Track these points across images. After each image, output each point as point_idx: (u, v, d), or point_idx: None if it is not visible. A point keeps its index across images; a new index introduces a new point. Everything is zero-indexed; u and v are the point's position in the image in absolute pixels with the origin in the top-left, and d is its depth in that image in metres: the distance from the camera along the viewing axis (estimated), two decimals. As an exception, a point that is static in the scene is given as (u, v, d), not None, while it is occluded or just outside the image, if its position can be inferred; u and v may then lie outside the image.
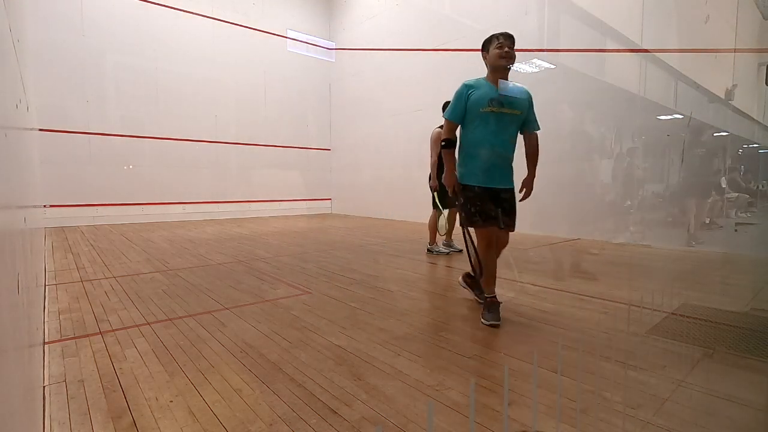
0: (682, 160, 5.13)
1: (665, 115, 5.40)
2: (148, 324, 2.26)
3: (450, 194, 2.39)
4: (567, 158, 5.81)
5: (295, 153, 9.93)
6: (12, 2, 1.57)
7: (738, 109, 5.49)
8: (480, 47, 2.40)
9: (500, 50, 2.23)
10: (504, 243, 2.43)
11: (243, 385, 1.58)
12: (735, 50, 5.34)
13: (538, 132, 2.35)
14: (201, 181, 8.43)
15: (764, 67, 6.03)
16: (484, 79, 2.32)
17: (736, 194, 5.50)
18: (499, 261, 2.30)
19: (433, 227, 4.47)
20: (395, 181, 8.63)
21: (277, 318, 2.37)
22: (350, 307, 2.61)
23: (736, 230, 5.51)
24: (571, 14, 5.74)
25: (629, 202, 5.58)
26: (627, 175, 5.53)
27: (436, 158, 4.10)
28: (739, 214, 5.55)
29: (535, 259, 4.35)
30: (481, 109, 2.21)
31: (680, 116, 5.30)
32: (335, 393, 1.52)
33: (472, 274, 2.43)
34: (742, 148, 5.94)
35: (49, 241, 5.21)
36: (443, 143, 2.32)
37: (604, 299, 2.77)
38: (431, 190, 4.37)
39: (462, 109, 2.27)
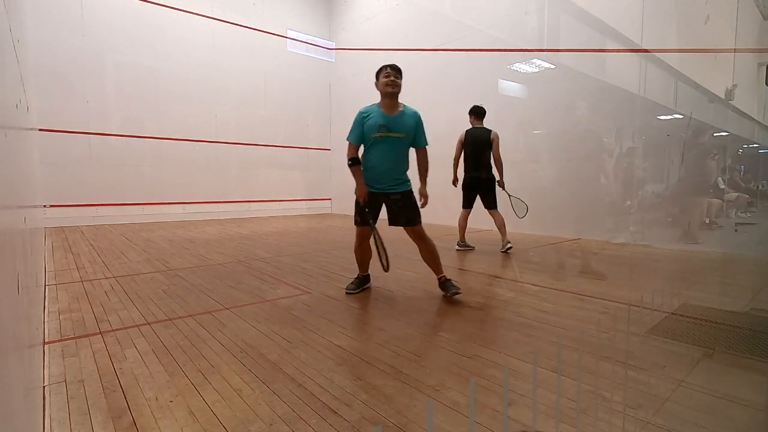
0: (682, 160, 5.13)
1: (665, 115, 5.40)
2: (148, 324, 2.26)
3: (361, 202, 2.74)
4: (567, 158, 5.81)
5: (295, 153, 9.93)
6: (12, 2, 1.57)
7: (738, 109, 5.49)
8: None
9: (387, 79, 2.64)
10: (416, 236, 2.78)
11: (243, 385, 1.58)
12: (735, 50, 5.34)
13: (426, 146, 2.82)
14: (201, 181, 8.43)
15: (764, 67, 6.03)
16: (377, 105, 2.75)
17: (736, 194, 5.50)
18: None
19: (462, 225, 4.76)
20: (395, 181, 8.61)
21: (277, 318, 2.37)
22: (350, 307, 2.61)
23: (736, 230, 5.52)
24: (571, 14, 5.74)
25: (629, 202, 5.58)
26: (627, 175, 5.54)
27: (455, 160, 4.70)
28: (739, 214, 5.55)
29: (535, 259, 4.35)
30: (372, 135, 2.66)
31: (680, 116, 5.30)
32: (335, 393, 1.52)
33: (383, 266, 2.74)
34: (742, 148, 5.94)
35: (49, 241, 5.21)
36: (349, 162, 2.73)
37: (604, 299, 2.77)
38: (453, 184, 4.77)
39: (360, 134, 2.71)
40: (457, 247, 4.77)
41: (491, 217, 4.57)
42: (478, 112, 4.63)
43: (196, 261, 4.05)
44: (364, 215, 2.74)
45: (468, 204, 4.68)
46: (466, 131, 4.62)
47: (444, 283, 2.79)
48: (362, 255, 2.92)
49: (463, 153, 4.64)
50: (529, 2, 6.08)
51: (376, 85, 2.75)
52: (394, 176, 2.73)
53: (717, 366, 1.83)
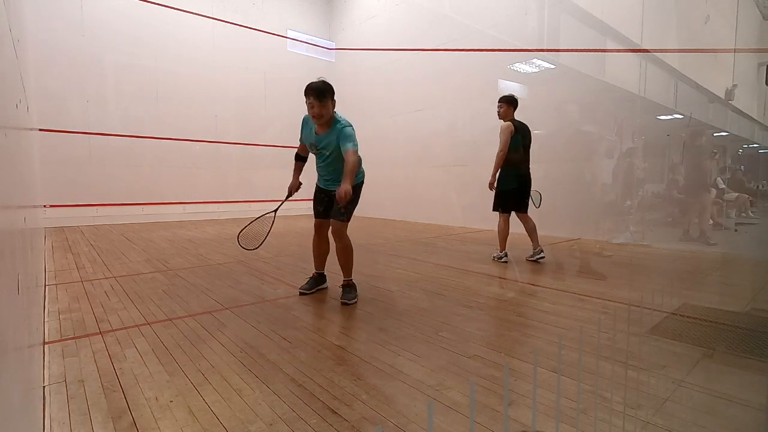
0: (682, 160, 5.13)
1: (665, 115, 5.41)
2: (148, 324, 2.26)
3: (288, 193, 2.97)
4: (567, 158, 5.81)
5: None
6: (12, 2, 1.57)
7: (738, 109, 5.50)
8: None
9: (311, 110, 2.61)
10: (333, 232, 2.80)
11: (243, 385, 1.58)
12: (735, 50, 5.34)
13: (351, 149, 2.60)
14: (201, 181, 8.42)
15: (764, 67, 6.04)
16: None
17: (736, 194, 5.51)
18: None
19: (503, 233, 4.10)
20: (395, 181, 8.63)
21: (277, 318, 2.37)
22: (350, 307, 2.61)
23: (736, 230, 5.52)
24: (571, 14, 5.74)
25: (629, 202, 5.58)
26: (627, 175, 5.54)
27: (504, 153, 3.89)
28: (740, 214, 5.56)
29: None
30: (308, 148, 2.91)
31: (680, 116, 5.30)
32: (335, 393, 1.52)
33: None
34: (742, 148, 5.95)
35: (49, 241, 5.21)
36: (295, 157, 3.04)
37: (604, 299, 2.77)
38: (489, 187, 4.08)
39: (303, 137, 2.92)
40: (504, 258, 4.06)
41: (521, 221, 4.08)
42: (516, 103, 4.01)
43: (196, 261, 4.05)
44: (314, 207, 2.95)
45: (514, 207, 4.05)
46: (514, 122, 3.93)
47: (344, 287, 2.75)
48: (316, 248, 2.98)
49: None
50: (529, 2, 6.08)
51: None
52: (333, 178, 2.85)
53: (717, 366, 1.83)
